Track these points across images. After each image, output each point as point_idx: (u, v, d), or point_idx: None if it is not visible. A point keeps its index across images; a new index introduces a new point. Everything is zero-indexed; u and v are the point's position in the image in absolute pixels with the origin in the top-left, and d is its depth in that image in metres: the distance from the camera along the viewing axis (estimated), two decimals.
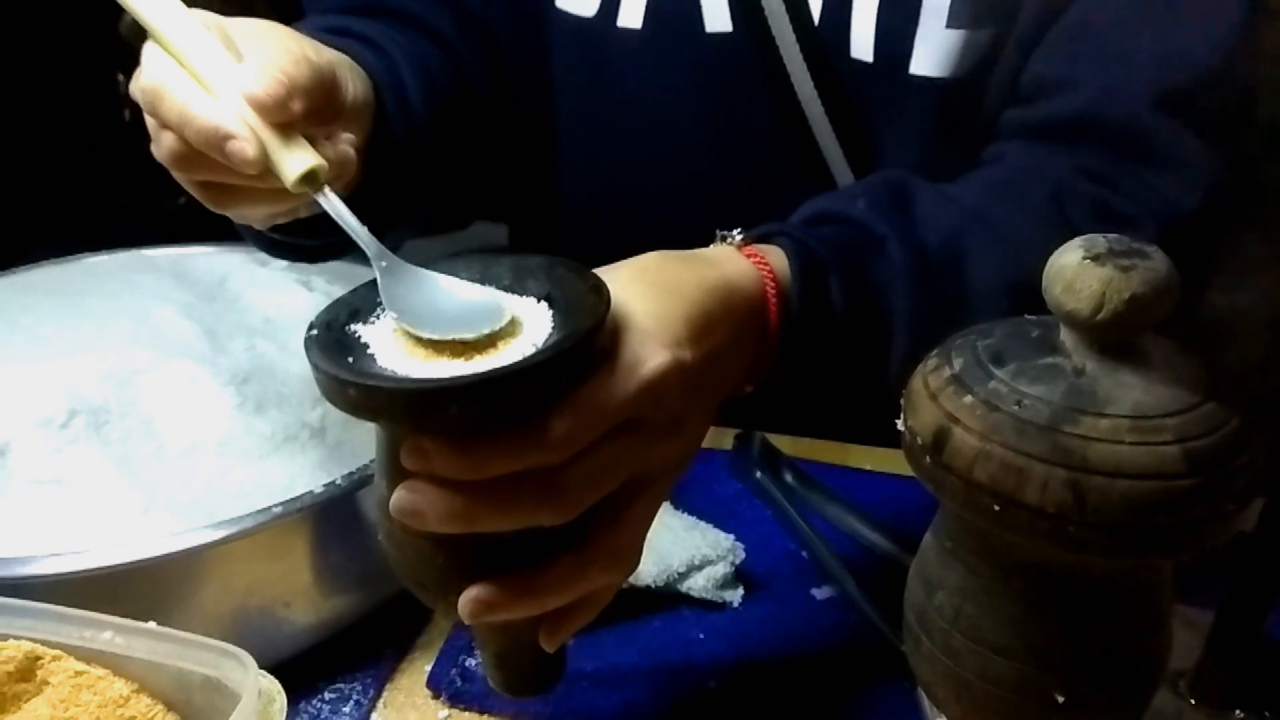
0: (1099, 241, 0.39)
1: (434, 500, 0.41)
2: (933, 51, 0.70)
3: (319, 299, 0.78)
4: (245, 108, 0.49)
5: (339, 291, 0.79)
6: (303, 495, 0.57)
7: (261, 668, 0.47)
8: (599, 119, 0.82)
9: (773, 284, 0.52)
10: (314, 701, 0.59)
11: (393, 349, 0.43)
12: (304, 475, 0.64)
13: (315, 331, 0.43)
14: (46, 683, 0.49)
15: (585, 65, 0.80)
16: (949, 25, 0.69)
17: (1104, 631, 0.42)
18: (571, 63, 0.81)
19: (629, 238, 0.84)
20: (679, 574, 0.65)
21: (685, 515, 0.70)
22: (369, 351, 0.43)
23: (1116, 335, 0.40)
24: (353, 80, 0.59)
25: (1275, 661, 0.60)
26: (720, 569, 0.66)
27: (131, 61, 0.53)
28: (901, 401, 0.43)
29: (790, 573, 0.69)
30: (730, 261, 0.52)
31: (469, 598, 0.43)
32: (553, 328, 0.43)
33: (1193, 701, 0.57)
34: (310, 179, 0.50)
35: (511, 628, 0.47)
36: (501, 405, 0.40)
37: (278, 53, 0.52)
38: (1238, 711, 0.56)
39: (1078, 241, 0.40)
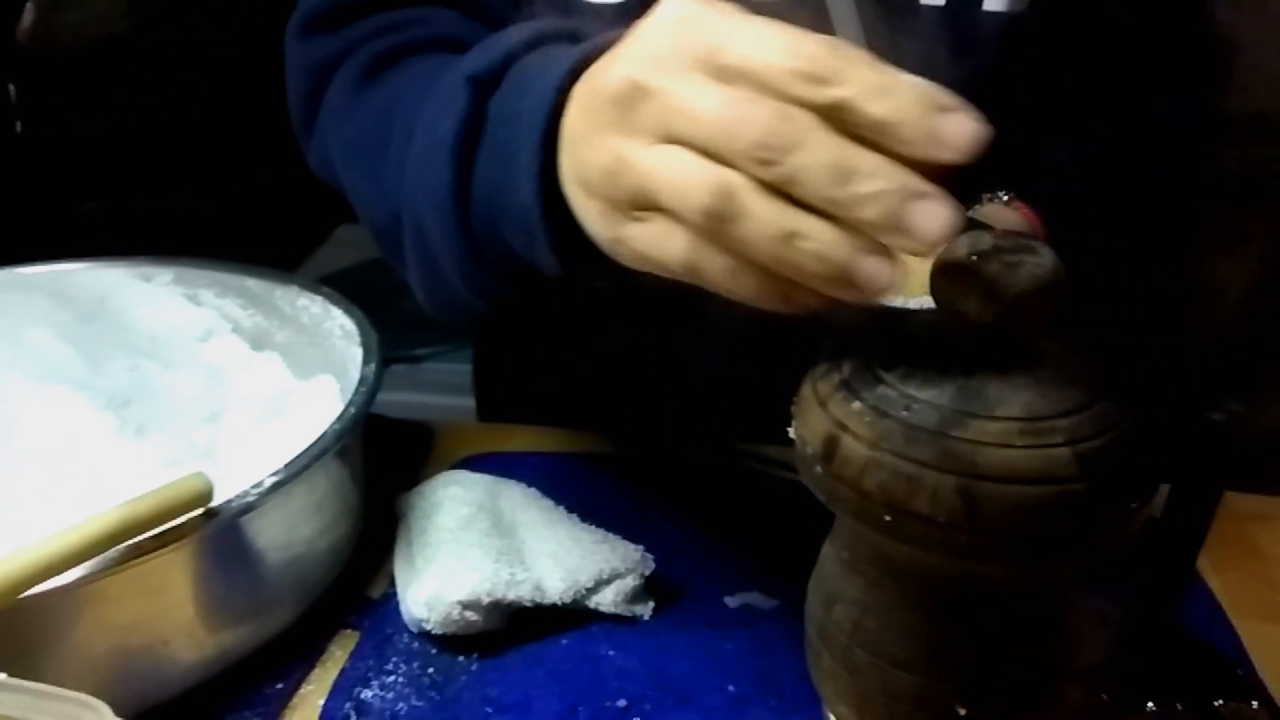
0: (984, 239, 0.38)
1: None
2: None
3: (207, 313, 0.75)
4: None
5: (228, 304, 0.77)
6: (183, 524, 0.54)
7: (142, 711, 0.45)
8: None
9: None
10: None
11: None
12: None
13: None
14: None
15: None
16: None
17: (1004, 640, 0.41)
18: None
19: None
20: (587, 589, 0.63)
21: (595, 528, 0.68)
22: None
23: (1005, 334, 0.38)
24: None
25: (1186, 652, 0.60)
26: (630, 581, 0.64)
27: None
28: (792, 409, 0.42)
29: (702, 582, 0.68)
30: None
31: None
32: None
33: (1104, 696, 0.56)
34: None
35: None
36: None
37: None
38: (1150, 704, 0.56)
39: (964, 239, 0.38)
